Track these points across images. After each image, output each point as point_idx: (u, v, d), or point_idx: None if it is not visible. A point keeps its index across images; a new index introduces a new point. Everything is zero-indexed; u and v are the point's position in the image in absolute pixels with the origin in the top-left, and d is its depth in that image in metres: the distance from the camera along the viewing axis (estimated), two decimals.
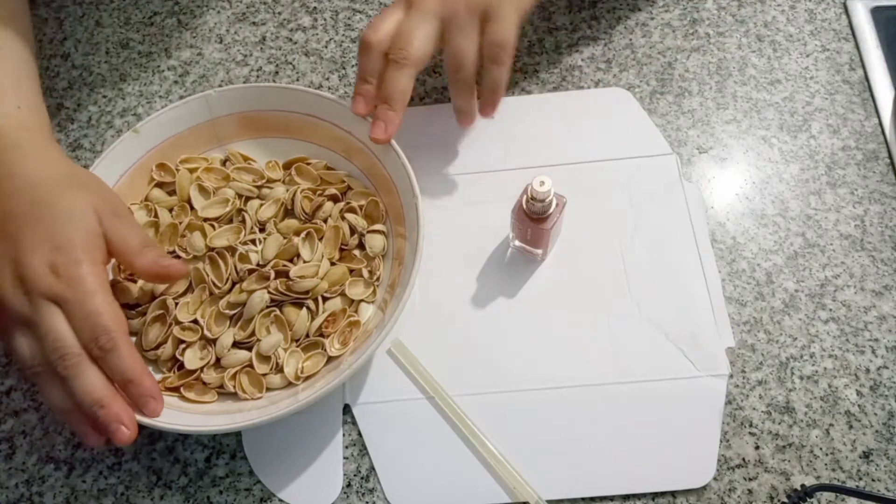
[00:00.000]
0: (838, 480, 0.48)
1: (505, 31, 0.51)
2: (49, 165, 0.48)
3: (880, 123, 0.59)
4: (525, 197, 0.49)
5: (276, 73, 0.65)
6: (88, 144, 0.62)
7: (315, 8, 0.68)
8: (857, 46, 0.63)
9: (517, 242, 0.54)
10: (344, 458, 0.50)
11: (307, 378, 0.50)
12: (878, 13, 0.64)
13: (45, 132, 0.51)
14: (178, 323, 0.51)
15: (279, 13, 0.68)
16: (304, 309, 0.51)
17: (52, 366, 0.43)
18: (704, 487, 0.48)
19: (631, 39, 0.64)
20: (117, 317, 0.44)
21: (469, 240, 0.56)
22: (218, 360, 0.50)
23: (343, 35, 0.66)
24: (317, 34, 0.67)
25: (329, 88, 0.64)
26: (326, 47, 0.66)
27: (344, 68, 0.65)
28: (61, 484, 0.50)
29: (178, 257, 0.53)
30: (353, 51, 0.65)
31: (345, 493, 0.49)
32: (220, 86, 0.64)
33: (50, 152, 0.49)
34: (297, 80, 0.64)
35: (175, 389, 0.49)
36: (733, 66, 0.63)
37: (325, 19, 0.67)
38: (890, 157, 0.58)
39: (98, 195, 0.47)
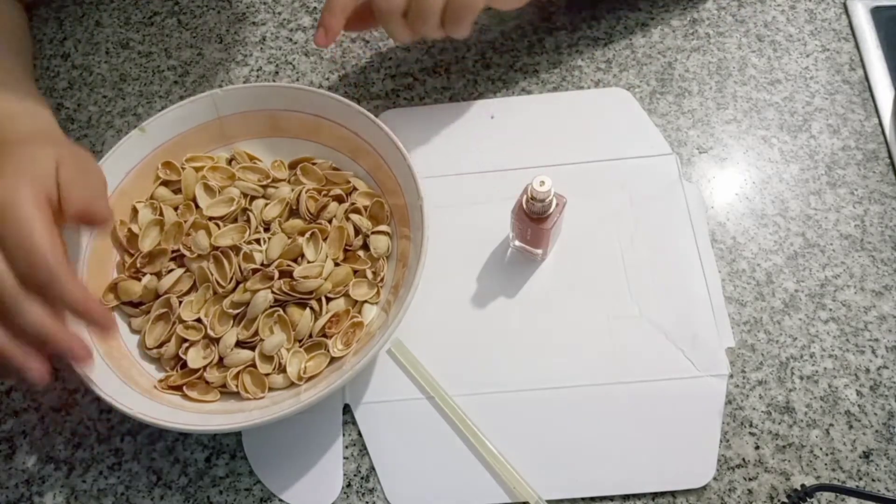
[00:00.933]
0: (838, 480, 0.48)
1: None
2: (32, 122, 0.49)
3: (880, 123, 0.59)
4: (525, 197, 0.49)
5: (276, 73, 0.65)
6: (88, 144, 0.62)
7: (315, 8, 0.68)
8: (857, 46, 0.63)
9: (517, 242, 0.54)
10: (344, 458, 0.50)
11: (310, 378, 0.50)
12: (878, 13, 0.64)
13: (35, 104, 0.52)
14: (181, 321, 0.51)
15: (279, 13, 0.68)
16: (308, 309, 0.51)
17: None
18: (704, 487, 0.48)
19: (631, 39, 0.64)
20: (53, 247, 0.42)
21: (469, 240, 0.56)
22: (221, 359, 0.50)
23: (343, 35, 0.66)
24: None
25: (329, 88, 0.64)
26: (326, 47, 0.66)
27: (344, 68, 0.65)
28: (61, 484, 0.50)
29: (183, 256, 0.53)
30: (353, 51, 0.65)
31: (345, 493, 0.49)
32: (220, 86, 0.64)
33: (38, 116, 0.51)
34: (297, 80, 0.64)
35: (178, 388, 0.49)
36: (733, 66, 0.63)
37: None
38: (890, 157, 0.58)
39: (69, 151, 0.47)
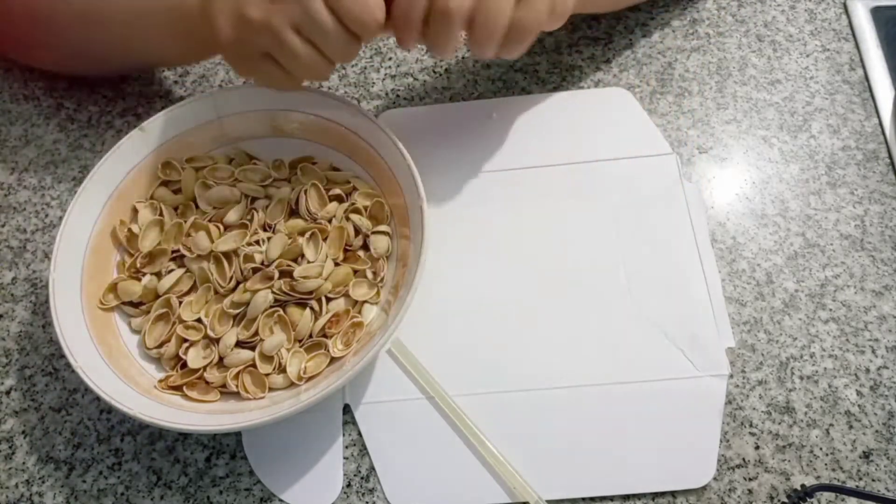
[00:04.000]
0: (838, 480, 0.48)
1: (534, 17, 0.45)
2: None
3: (880, 123, 0.59)
4: None
5: None
6: (88, 144, 0.62)
7: None
8: (857, 46, 0.63)
9: None
10: (344, 458, 0.50)
11: (310, 378, 0.50)
12: (878, 13, 0.64)
13: None
14: (181, 321, 0.51)
15: None
16: (308, 309, 0.51)
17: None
18: (704, 487, 0.48)
19: (631, 39, 0.64)
20: None
21: (469, 240, 0.56)
22: (221, 359, 0.50)
23: None
24: None
25: (329, 88, 0.64)
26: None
27: (344, 68, 0.65)
28: (61, 484, 0.50)
29: (183, 256, 0.53)
30: None
31: (345, 493, 0.49)
32: (220, 86, 0.64)
33: None
34: None
35: (178, 388, 0.49)
36: (733, 66, 0.63)
37: None
38: (890, 157, 0.58)
39: None
